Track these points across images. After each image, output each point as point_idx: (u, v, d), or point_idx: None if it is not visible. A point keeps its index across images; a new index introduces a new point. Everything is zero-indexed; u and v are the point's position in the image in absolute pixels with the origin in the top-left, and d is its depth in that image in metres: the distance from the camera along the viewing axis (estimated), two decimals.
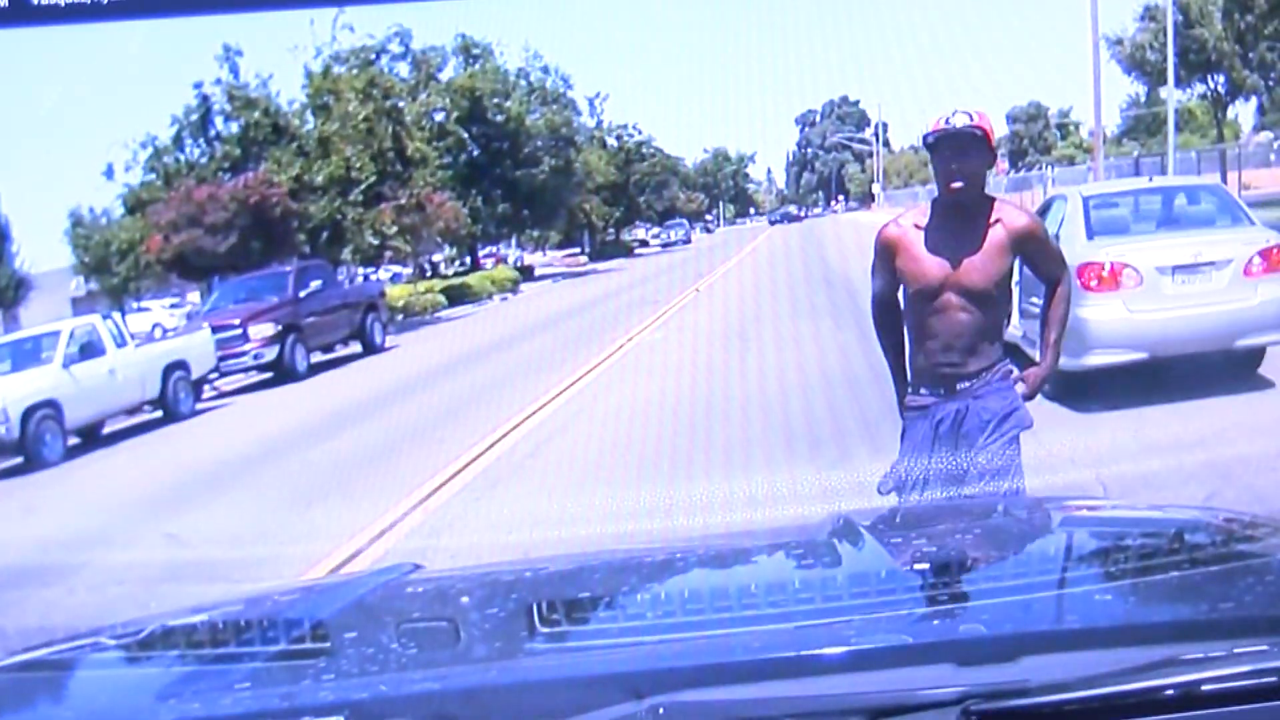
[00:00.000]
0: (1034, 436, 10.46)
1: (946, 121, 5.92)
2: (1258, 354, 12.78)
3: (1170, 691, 1.90)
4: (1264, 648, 1.98)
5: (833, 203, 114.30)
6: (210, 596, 3.58)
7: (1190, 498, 7.80)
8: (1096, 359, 12.11)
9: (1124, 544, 3.07)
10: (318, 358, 27.42)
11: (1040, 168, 71.50)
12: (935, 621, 2.33)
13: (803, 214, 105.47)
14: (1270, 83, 47.10)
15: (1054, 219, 13.55)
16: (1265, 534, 2.98)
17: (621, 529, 8.57)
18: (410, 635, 2.56)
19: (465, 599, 3.04)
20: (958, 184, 5.88)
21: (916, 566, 2.87)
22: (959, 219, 5.96)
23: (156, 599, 8.38)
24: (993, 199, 6.15)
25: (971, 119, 5.92)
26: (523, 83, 55.37)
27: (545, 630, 2.60)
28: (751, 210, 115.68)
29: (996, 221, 5.96)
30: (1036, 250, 6.29)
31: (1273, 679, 1.90)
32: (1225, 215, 13.70)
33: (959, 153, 5.87)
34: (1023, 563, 2.91)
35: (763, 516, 8.39)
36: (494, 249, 67.48)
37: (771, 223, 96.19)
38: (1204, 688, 1.90)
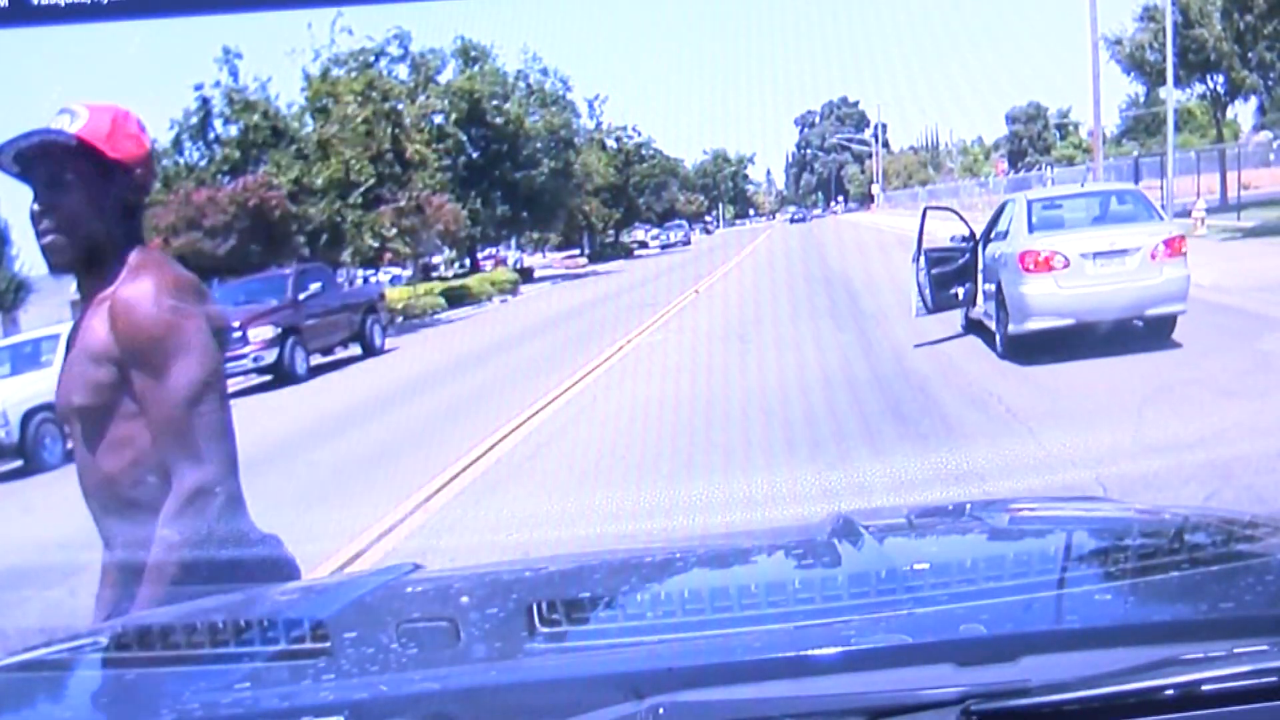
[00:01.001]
0: (1032, 437, 10.55)
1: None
2: (1169, 322, 15.72)
3: (1170, 691, 1.90)
4: (1264, 647, 1.98)
5: (832, 204, 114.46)
6: (211, 595, 3.58)
7: (1190, 498, 7.83)
8: (1035, 324, 15.47)
9: (1123, 544, 3.07)
10: (318, 360, 27.44)
11: (1040, 168, 71.61)
12: (935, 621, 2.31)
13: (807, 215, 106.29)
14: (1270, 82, 47.09)
15: (1005, 218, 17.44)
16: (1265, 534, 2.97)
17: (622, 529, 8.59)
18: (410, 635, 2.56)
19: (465, 599, 3.03)
20: (47, 238, 3.65)
21: (916, 566, 2.86)
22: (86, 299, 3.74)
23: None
24: (124, 263, 3.64)
25: (74, 119, 3.60)
26: (521, 84, 55.48)
27: (545, 630, 2.60)
28: (751, 211, 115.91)
29: (104, 302, 3.61)
30: (143, 371, 3.60)
31: (1273, 679, 1.89)
32: (1141, 212, 17.06)
33: (47, 183, 3.60)
34: (1022, 562, 2.90)
35: (762, 517, 8.41)
36: (494, 251, 67.57)
37: (792, 221, 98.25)
38: (1204, 687, 1.90)
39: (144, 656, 2.82)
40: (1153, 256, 15.35)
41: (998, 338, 16.33)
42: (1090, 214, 17.52)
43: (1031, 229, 16.34)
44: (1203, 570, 2.62)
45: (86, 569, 10.21)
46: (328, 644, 2.62)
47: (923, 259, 17.85)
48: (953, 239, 18.65)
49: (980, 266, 17.60)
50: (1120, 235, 15.83)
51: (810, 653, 2.15)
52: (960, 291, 17.79)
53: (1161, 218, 17.37)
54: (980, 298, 17.58)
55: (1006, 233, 17.03)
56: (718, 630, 2.43)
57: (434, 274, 56.12)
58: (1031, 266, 15.50)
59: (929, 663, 2.06)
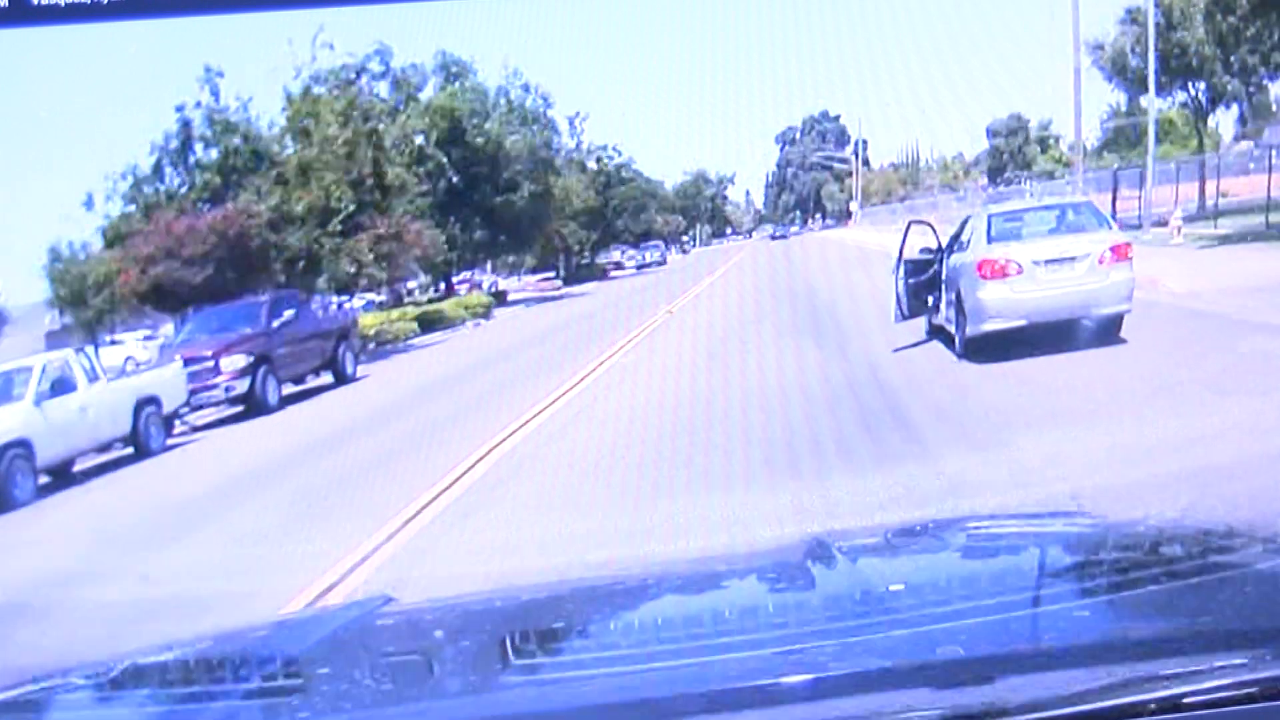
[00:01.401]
0: (1004, 452, 10.57)
1: None
2: (1116, 321, 16.64)
3: (1152, 707, 1.89)
4: (1243, 661, 1.97)
5: (810, 220, 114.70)
6: (184, 634, 3.54)
7: (1166, 509, 7.81)
8: (991, 326, 16.61)
9: (1099, 559, 3.06)
10: (289, 389, 27.22)
11: (1019, 182, 71.74)
12: (911, 644, 2.30)
13: (784, 233, 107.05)
14: (1251, 89, 47.29)
15: (968, 230, 18.73)
16: (1241, 544, 2.97)
17: (595, 556, 8.56)
18: (384, 670, 2.54)
19: (439, 632, 3.02)
20: None
21: (891, 587, 2.86)
22: None
23: (130, 638, 8.33)
24: None
25: None
26: (502, 101, 55.32)
27: (519, 662, 2.58)
28: (728, 229, 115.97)
29: None
30: None
31: (1253, 690, 1.89)
32: (1092, 223, 18.34)
33: None
34: (998, 581, 2.89)
35: (737, 539, 8.39)
36: (468, 274, 67.48)
37: (772, 238, 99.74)
38: (1185, 700, 1.89)
39: (116, 695, 2.80)
40: (1100, 262, 16.56)
41: (957, 340, 17.46)
42: (1046, 226, 18.56)
43: (990, 240, 17.61)
44: (1180, 583, 2.61)
45: (58, 608, 10.14)
46: (300, 680, 2.60)
47: (902, 269, 19.11)
48: (921, 251, 19.76)
49: (944, 276, 18.76)
50: (1070, 244, 17.06)
51: (786, 680, 2.14)
52: (931, 299, 19.00)
53: (1111, 226, 19.13)
54: (944, 304, 18.63)
55: (967, 244, 18.24)
56: (693, 659, 2.41)
57: (408, 299, 56.05)
58: (988, 274, 16.81)
59: (906, 686, 2.04)
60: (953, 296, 17.85)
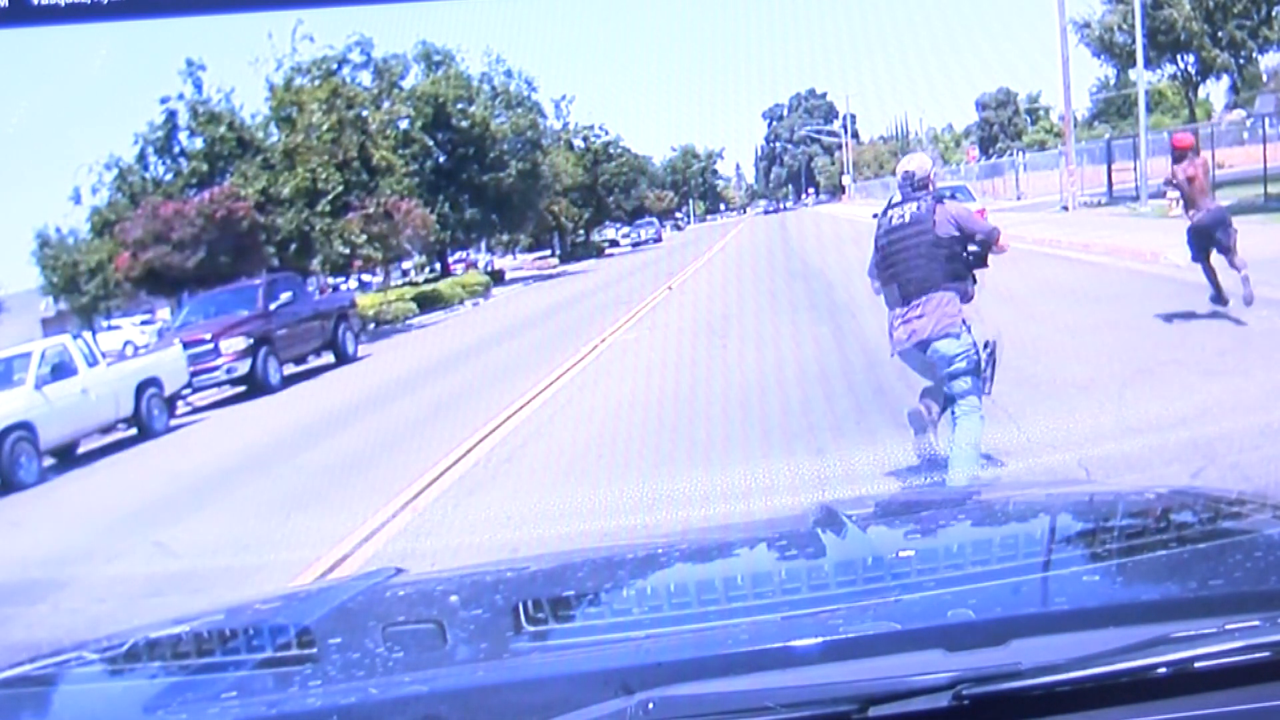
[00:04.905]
0: (1013, 422, 10.57)
1: None
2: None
3: (1162, 670, 1.89)
4: (1255, 623, 1.97)
5: (803, 195, 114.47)
6: (194, 608, 3.56)
7: (1174, 477, 7.82)
8: None
9: (1109, 525, 3.06)
10: (290, 369, 27.31)
11: (1011, 154, 71.68)
12: (923, 608, 2.31)
13: (780, 207, 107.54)
14: (1241, 61, 47.20)
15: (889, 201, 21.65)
16: (1251, 510, 2.97)
17: (603, 525, 8.56)
18: (395, 639, 2.54)
19: (450, 600, 3.02)
20: None
21: (902, 554, 2.86)
22: None
23: (140, 613, 8.35)
24: None
25: None
26: (486, 87, 55.32)
27: (531, 629, 2.59)
28: (722, 206, 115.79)
29: None
30: None
31: (1265, 654, 1.89)
32: (964, 199, 21.46)
33: None
34: (1009, 547, 2.89)
35: (744, 508, 8.39)
36: (464, 254, 67.45)
37: (766, 214, 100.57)
38: (1196, 665, 1.89)
39: (130, 669, 2.80)
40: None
41: None
42: (964, 198, 23.51)
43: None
44: (1190, 548, 2.61)
45: (69, 585, 10.17)
46: (313, 650, 2.60)
47: None
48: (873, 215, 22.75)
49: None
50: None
51: (799, 643, 2.14)
52: None
53: (974, 199, 28.30)
54: None
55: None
56: (705, 624, 2.42)
57: (404, 280, 56.03)
58: None
59: (919, 649, 2.05)
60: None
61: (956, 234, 8.94)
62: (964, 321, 8.83)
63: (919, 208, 9.07)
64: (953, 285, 8.84)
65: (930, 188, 9.31)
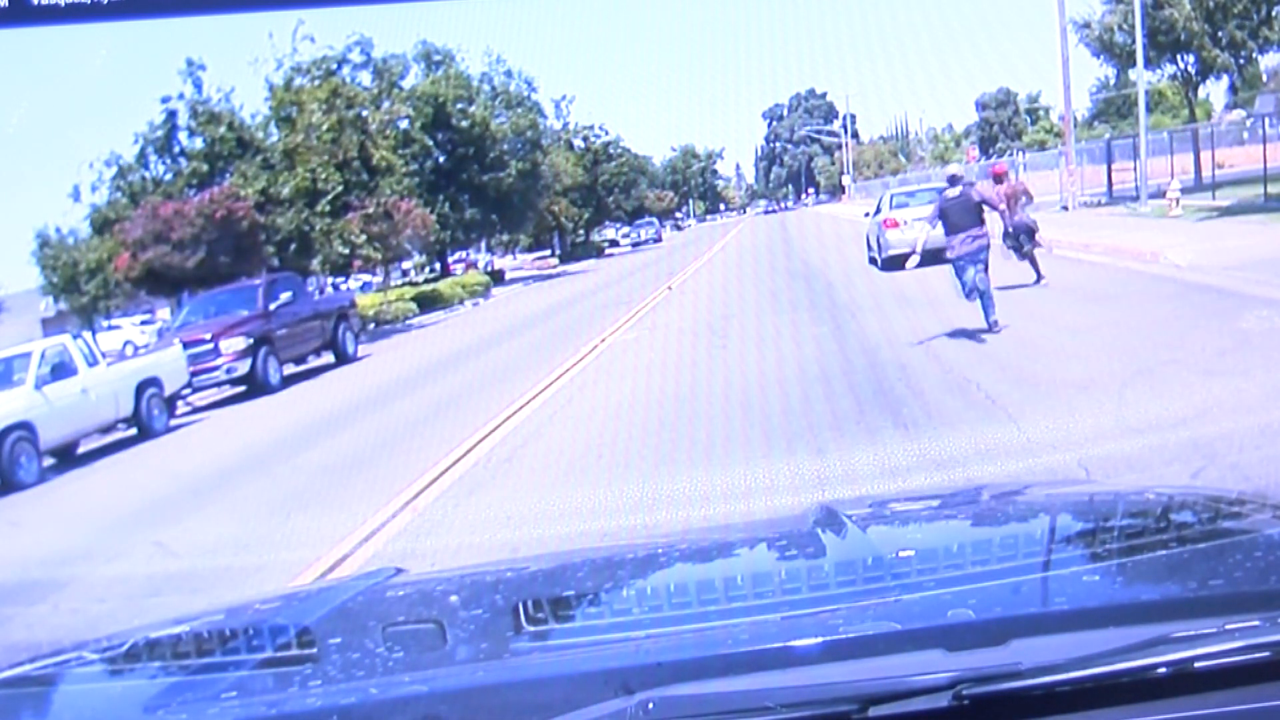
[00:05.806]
0: (1013, 422, 10.56)
1: None
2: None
3: (1162, 669, 1.89)
4: (1255, 623, 1.97)
5: (803, 195, 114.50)
6: (194, 608, 3.56)
7: (1174, 477, 7.82)
8: (891, 252, 26.27)
9: (1110, 525, 3.06)
10: (290, 369, 27.32)
11: (1010, 154, 71.70)
12: (923, 608, 2.31)
13: (780, 207, 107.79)
14: (1241, 61, 47.13)
15: (883, 202, 31.39)
16: (1251, 510, 2.97)
17: (603, 525, 8.56)
18: (395, 639, 2.54)
19: (450, 600, 3.02)
20: None
21: (901, 553, 2.86)
22: None
23: (140, 613, 8.36)
24: None
25: None
26: (486, 87, 55.35)
27: (531, 629, 2.59)
28: (722, 206, 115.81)
29: None
30: None
31: (1265, 654, 1.89)
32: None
33: None
34: (1008, 547, 2.90)
35: (745, 508, 8.40)
36: (464, 254, 67.45)
37: (766, 213, 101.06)
38: (1196, 665, 1.89)
39: (130, 669, 2.80)
40: None
41: (878, 260, 28.86)
42: (921, 199, 28.02)
43: (892, 207, 29.88)
44: (1190, 548, 2.61)
45: (69, 585, 10.17)
46: (313, 650, 2.60)
47: (873, 224, 31.01)
48: (865, 214, 34.13)
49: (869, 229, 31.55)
50: (926, 210, 21.79)
51: (799, 643, 2.14)
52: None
53: None
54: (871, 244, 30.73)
55: (880, 209, 30.68)
56: (705, 623, 2.42)
57: (404, 280, 56.02)
58: (890, 225, 28.40)
59: (919, 649, 2.05)
60: (874, 240, 30.05)
61: (979, 201, 17.05)
62: (987, 244, 16.85)
63: (961, 191, 17.03)
64: (979, 227, 16.83)
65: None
